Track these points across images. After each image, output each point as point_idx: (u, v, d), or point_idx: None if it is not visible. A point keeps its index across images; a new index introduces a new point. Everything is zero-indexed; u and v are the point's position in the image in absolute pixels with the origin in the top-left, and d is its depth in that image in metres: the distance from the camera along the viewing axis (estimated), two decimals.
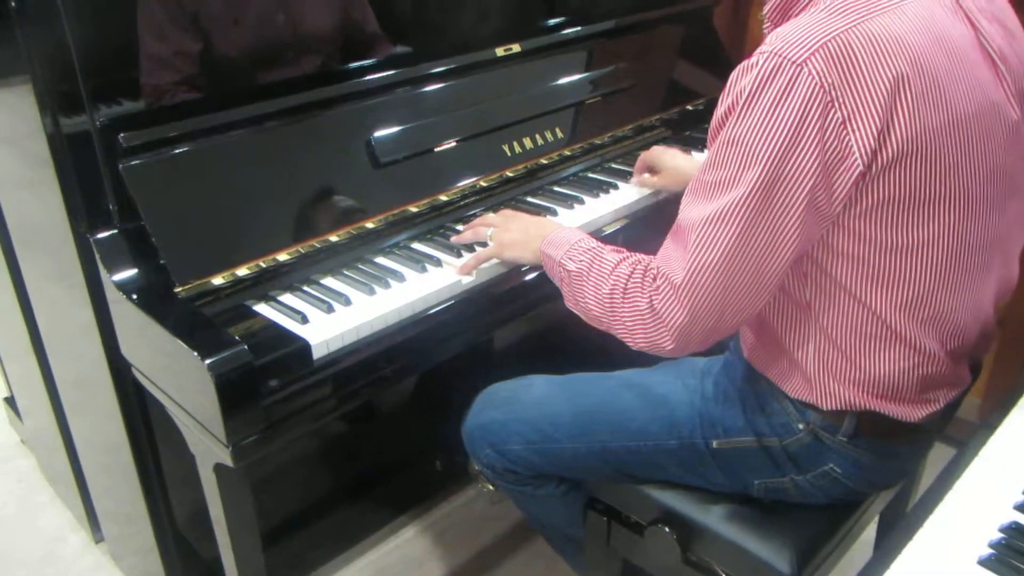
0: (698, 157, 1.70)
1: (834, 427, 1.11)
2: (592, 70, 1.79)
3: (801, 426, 1.14)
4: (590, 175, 1.69)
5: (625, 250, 1.16)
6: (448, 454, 1.89)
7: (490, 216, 1.41)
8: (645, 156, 1.63)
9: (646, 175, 1.63)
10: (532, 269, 1.37)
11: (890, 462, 1.15)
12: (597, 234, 1.47)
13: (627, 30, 1.89)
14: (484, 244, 1.37)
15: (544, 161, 1.65)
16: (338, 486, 1.90)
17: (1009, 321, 1.96)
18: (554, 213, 1.52)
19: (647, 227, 1.56)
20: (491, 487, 1.52)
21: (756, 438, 1.17)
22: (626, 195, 1.60)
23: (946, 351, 1.06)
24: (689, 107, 1.94)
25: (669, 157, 1.59)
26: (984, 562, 0.80)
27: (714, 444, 1.19)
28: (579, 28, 1.79)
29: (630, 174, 1.67)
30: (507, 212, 1.41)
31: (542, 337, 2.05)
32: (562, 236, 1.24)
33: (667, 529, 1.23)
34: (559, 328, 2.02)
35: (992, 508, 0.87)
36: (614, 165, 1.74)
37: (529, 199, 1.58)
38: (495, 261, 1.35)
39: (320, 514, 1.87)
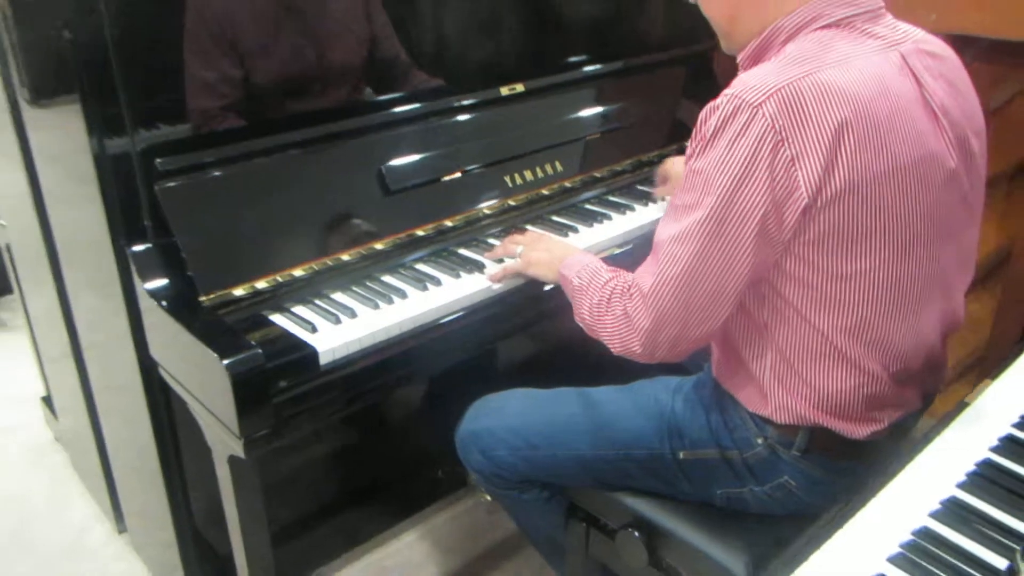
0: None
1: (788, 441, 1.22)
2: (594, 108, 1.92)
3: (759, 440, 1.24)
4: (587, 206, 1.82)
5: (621, 270, 1.29)
6: (450, 464, 2.00)
7: (519, 236, 1.56)
8: (661, 168, 1.83)
9: (664, 186, 1.82)
10: (524, 293, 1.50)
11: (841, 478, 1.25)
12: None
13: (630, 71, 2.02)
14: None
15: (545, 192, 1.78)
16: (345, 491, 2.03)
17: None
18: None
19: (639, 254, 1.67)
20: (488, 498, 1.63)
21: (719, 450, 1.28)
22: (618, 225, 1.72)
23: (889, 374, 1.17)
24: (686, 144, 2.05)
25: (672, 166, 1.80)
26: (892, 559, 0.90)
27: (680, 455, 1.30)
28: (583, 70, 1.93)
29: (626, 207, 1.79)
30: (534, 234, 1.56)
31: (533, 354, 2.17)
32: (577, 258, 1.38)
33: (636, 533, 1.34)
34: (547, 347, 2.14)
35: (909, 515, 0.97)
36: (611, 197, 1.86)
37: (528, 227, 1.71)
38: (493, 284, 1.49)
39: (327, 516, 1.99)
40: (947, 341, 1.28)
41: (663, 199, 1.84)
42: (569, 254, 1.42)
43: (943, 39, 1.21)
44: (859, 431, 1.19)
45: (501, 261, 1.54)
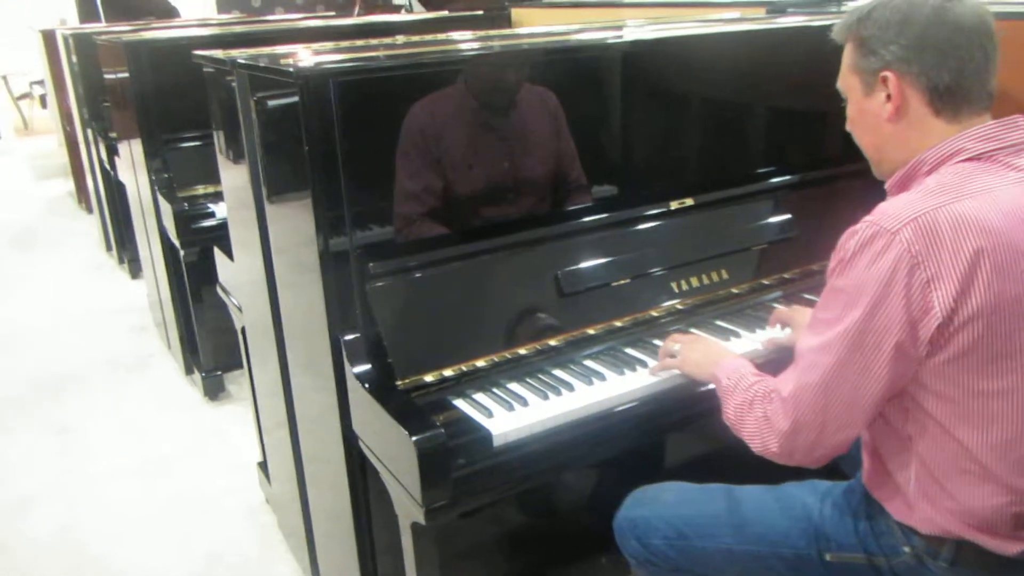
0: None
1: (935, 552, 1.25)
2: (761, 220, 2.03)
3: (907, 548, 1.28)
4: (751, 312, 1.91)
5: (768, 375, 1.38)
6: (612, 552, 2.09)
7: (679, 336, 1.68)
8: (781, 313, 1.76)
9: (779, 328, 1.77)
10: (679, 394, 1.62)
11: None
12: None
13: (796, 186, 2.12)
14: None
15: (712, 297, 1.90)
16: (514, 569, 2.16)
17: None
18: None
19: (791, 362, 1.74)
20: None
21: (866, 556, 1.32)
22: (776, 333, 1.80)
23: None
24: None
25: (801, 318, 1.69)
26: None
27: (827, 557, 1.35)
28: (749, 185, 2.05)
29: None
30: (693, 335, 1.68)
31: (689, 449, 2.23)
32: (729, 362, 1.48)
33: None
34: (702, 443, 2.20)
35: None
36: (777, 305, 1.94)
37: (692, 330, 1.83)
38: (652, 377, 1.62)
39: None
40: None
41: None
42: (724, 357, 1.52)
43: None
44: (1008, 548, 1.20)
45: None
